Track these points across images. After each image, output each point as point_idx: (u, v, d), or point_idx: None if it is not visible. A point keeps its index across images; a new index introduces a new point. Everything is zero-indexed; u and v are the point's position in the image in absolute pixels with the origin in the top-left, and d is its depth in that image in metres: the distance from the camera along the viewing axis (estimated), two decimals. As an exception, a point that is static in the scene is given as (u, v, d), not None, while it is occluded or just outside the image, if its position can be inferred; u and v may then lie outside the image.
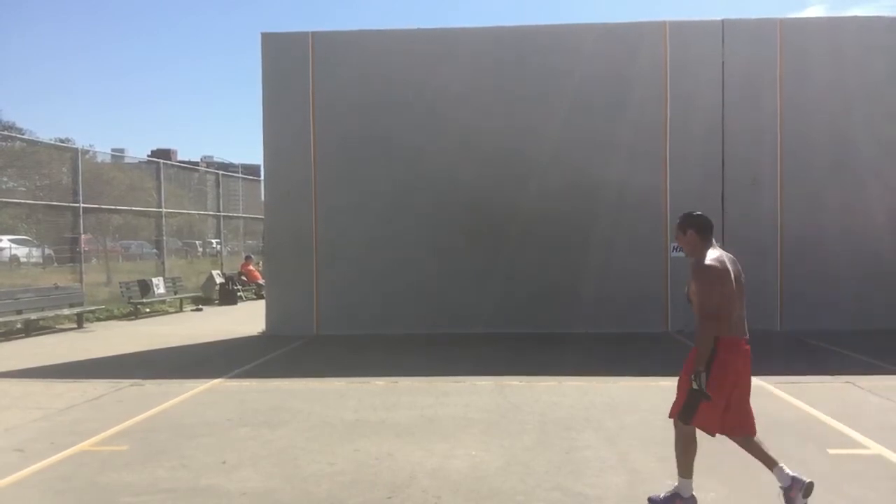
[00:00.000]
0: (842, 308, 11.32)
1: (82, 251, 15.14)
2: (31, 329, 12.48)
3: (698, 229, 4.09)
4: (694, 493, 4.04)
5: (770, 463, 3.95)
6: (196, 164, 54.71)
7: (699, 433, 4.03)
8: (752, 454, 4.02)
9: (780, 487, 3.86)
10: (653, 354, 9.73)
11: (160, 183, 17.75)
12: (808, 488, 3.80)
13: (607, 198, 11.58)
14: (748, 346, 3.99)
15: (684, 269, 11.90)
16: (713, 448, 5.25)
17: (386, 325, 11.66)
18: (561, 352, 9.93)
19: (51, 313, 12.87)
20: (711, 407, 3.83)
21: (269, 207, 12.47)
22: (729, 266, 4.00)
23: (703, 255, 3.99)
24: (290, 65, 11.94)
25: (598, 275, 11.51)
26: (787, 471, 3.86)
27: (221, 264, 20.64)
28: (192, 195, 21.47)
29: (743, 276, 4.06)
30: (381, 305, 11.81)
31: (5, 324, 12.35)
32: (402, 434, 5.77)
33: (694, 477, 4.11)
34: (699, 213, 4.19)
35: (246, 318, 14.03)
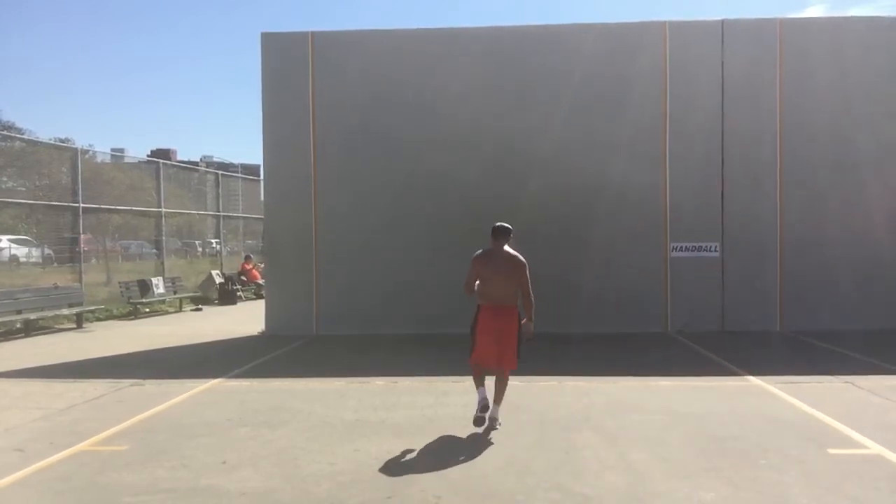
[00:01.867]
0: (842, 308, 11.31)
1: (82, 251, 15.13)
2: (31, 329, 12.47)
3: (491, 234, 6.12)
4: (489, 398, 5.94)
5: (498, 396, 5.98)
6: (196, 163, 54.68)
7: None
8: (496, 383, 6.00)
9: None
10: (653, 354, 9.74)
11: (160, 183, 17.73)
12: (482, 406, 5.84)
13: (607, 197, 11.59)
14: (502, 309, 5.94)
15: (684, 269, 12.02)
16: (713, 448, 5.26)
17: (386, 325, 11.65)
18: (561, 352, 9.91)
19: (50, 313, 12.86)
20: (480, 347, 5.97)
21: (268, 207, 12.46)
22: (491, 258, 6.00)
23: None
24: (290, 65, 11.93)
25: (597, 274, 11.51)
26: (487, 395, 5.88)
27: (221, 264, 20.63)
28: (191, 195, 21.45)
29: (511, 267, 5.92)
30: (381, 305, 11.80)
31: (5, 324, 12.34)
32: (402, 434, 5.77)
33: (694, 477, 4.40)
34: (499, 223, 6.13)
35: (246, 318, 14.02)
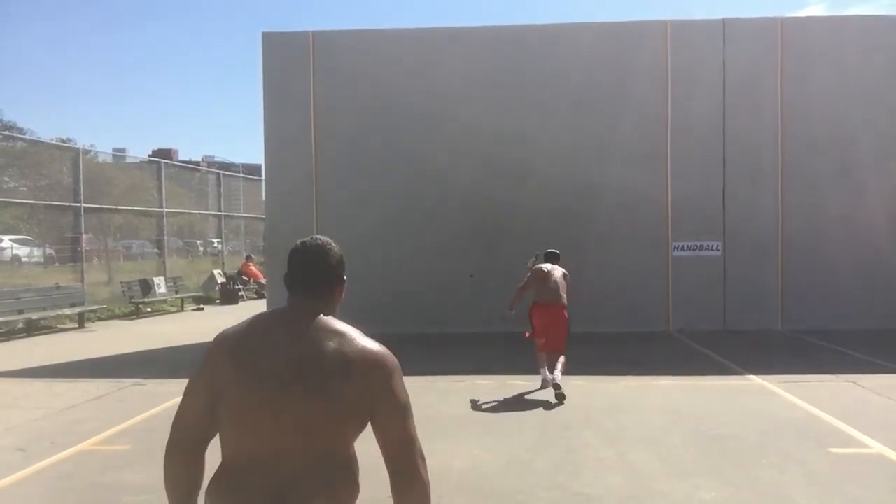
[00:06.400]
0: (842, 307, 11.29)
1: (83, 251, 15.13)
2: (33, 329, 12.47)
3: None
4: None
5: (552, 368, 6.97)
6: (197, 163, 54.67)
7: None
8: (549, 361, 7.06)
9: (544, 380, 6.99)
10: (653, 354, 9.73)
11: (161, 182, 17.73)
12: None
13: (608, 197, 11.58)
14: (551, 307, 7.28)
15: (685, 269, 12.00)
16: (713, 448, 5.26)
17: (386, 324, 11.53)
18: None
19: (52, 313, 12.86)
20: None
21: (270, 207, 12.47)
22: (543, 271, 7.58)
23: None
24: (291, 64, 11.94)
25: (598, 274, 11.48)
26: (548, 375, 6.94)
27: (223, 264, 20.64)
28: (193, 195, 21.44)
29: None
30: (382, 305, 11.76)
31: (7, 323, 12.35)
32: (402, 433, 5.76)
33: (694, 476, 4.41)
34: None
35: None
